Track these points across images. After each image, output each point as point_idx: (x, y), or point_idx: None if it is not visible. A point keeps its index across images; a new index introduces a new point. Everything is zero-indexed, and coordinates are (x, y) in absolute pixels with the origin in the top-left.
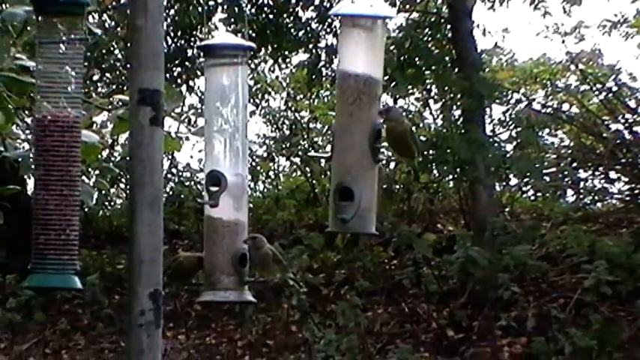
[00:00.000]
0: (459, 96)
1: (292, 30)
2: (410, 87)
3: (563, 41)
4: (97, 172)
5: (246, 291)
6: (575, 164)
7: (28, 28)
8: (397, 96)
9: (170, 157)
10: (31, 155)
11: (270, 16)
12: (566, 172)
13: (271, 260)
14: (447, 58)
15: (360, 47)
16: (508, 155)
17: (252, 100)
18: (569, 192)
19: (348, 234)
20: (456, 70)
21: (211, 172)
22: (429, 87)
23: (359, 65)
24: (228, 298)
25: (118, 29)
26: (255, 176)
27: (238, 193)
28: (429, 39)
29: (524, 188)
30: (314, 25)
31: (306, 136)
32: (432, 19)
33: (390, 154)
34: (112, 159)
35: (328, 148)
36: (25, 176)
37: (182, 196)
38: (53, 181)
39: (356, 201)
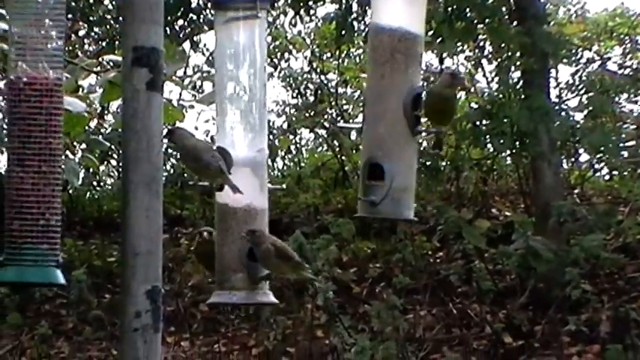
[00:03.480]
0: (518, 54)
1: None
2: (459, 44)
3: None
4: (83, 146)
5: (260, 291)
6: None
7: None
8: (444, 55)
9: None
10: (4, 125)
11: None
12: None
13: (273, 257)
14: (503, 9)
15: None
16: (578, 126)
17: (269, 61)
18: None
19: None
20: (515, 23)
21: (222, 148)
22: (481, 44)
23: (396, 17)
24: (231, 299)
25: None
26: (273, 152)
27: (257, 172)
28: None
29: (596, 166)
30: None
31: (334, 104)
32: None
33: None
34: (102, 131)
35: (360, 117)
36: None
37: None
38: (29, 155)
39: (387, 180)
